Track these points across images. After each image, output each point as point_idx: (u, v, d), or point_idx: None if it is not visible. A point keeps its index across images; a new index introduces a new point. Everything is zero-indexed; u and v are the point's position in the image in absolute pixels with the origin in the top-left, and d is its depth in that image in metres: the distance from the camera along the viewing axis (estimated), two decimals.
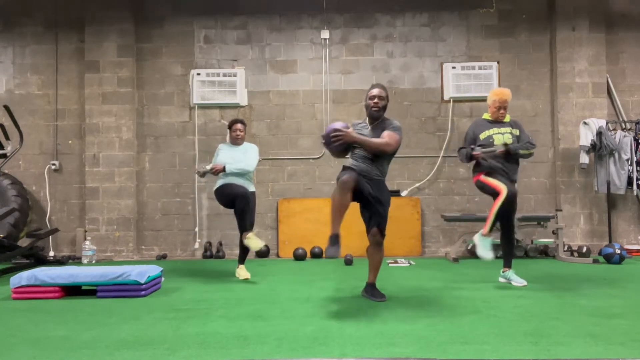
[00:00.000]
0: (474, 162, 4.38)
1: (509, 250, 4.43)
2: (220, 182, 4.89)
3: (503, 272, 4.43)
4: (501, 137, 4.29)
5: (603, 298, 3.68)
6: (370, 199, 3.62)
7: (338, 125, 3.55)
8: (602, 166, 6.49)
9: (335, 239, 3.37)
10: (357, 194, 3.57)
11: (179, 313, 3.35)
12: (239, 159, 4.84)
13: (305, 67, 7.08)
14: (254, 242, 4.63)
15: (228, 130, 5.07)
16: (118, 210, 6.85)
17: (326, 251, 3.39)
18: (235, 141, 4.99)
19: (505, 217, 4.28)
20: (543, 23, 7.01)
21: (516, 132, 4.36)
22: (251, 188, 4.96)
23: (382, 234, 3.70)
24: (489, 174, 4.26)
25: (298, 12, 7.10)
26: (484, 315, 3.16)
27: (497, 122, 4.37)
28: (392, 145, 3.60)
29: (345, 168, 3.67)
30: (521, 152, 4.28)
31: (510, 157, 4.28)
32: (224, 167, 4.75)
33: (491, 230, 4.25)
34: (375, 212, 3.66)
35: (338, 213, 3.41)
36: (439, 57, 7.05)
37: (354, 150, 3.72)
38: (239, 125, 4.98)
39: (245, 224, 4.68)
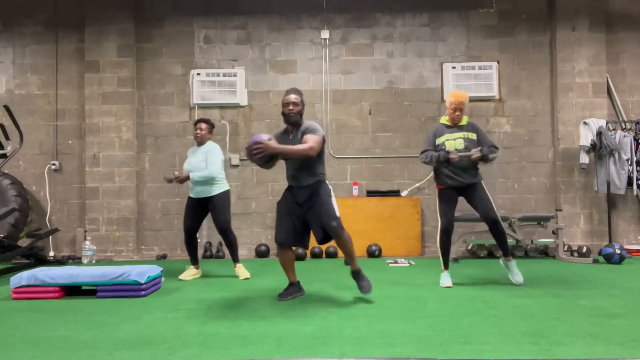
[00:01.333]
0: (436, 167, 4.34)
1: (502, 242, 4.31)
2: (189, 191, 4.91)
3: (505, 259, 4.38)
4: (452, 142, 4.23)
5: (603, 298, 3.68)
6: (311, 211, 3.64)
7: (260, 137, 3.49)
8: (602, 166, 6.49)
9: (289, 287, 3.87)
10: (302, 230, 3.76)
11: (179, 313, 3.35)
12: (197, 164, 4.79)
13: (305, 67, 7.08)
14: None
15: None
16: (118, 210, 6.85)
17: (279, 294, 3.83)
18: (195, 140, 4.97)
19: (488, 218, 4.25)
20: (543, 23, 7.02)
21: (472, 135, 4.28)
22: (222, 188, 4.87)
23: (337, 229, 3.60)
24: (443, 191, 4.30)
25: (298, 12, 7.10)
26: (484, 315, 3.16)
27: (452, 126, 4.32)
28: (315, 148, 3.58)
29: (281, 199, 3.81)
30: (490, 156, 4.20)
31: (475, 162, 4.24)
32: (189, 176, 4.73)
33: (447, 265, 4.36)
34: (317, 215, 3.62)
35: (287, 268, 3.88)
36: (439, 57, 7.05)
37: (286, 164, 3.77)
38: (201, 125, 4.92)
39: (235, 255, 4.98)
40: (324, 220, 3.59)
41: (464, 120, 4.35)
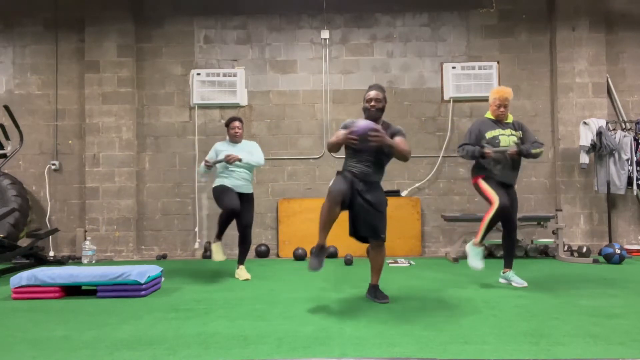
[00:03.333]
0: (473, 162, 4.36)
1: (510, 251, 4.38)
2: (224, 181, 4.80)
3: (503, 273, 4.41)
4: (507, 138, 4.21)
5: (603, 298, 3.68)
6: (366, 204, 3.61)
7: (372, 124, 3.45)
8: (602, 166, 6.49)
9: (320, 250, 3.45)
10: (348, 203, 3.60)
11: (179, 313, 3.35)
12: (243, 156, 4.79)
13: (305, 67, 7.08)
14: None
15: (226, 129, 5.02)
16: (118, 210, 6.85)
17: (309, 263, 3.44)
18: (234, 139, 4.93)
19: (507, 219, 4.25)
20: (543, 23, 7.02)
21: (519, 134, 4.27)
22: (251, 189, 4.96)
23: (383, 243, 3.71)
24: (487, 178, 4.23)
25: (298, 12, 7.10)
26: (484, 315, 3.16)
27: (500, 122, 4.29)
28: (410, 152, 3.68)
29: (339, 173, 3.67)
30: (533, 151, 4.18)
31: (516, 160, 4.23)
32: (240, 158, 4.70)
33: (482, 240, 4.27)
34: (373, 217, 3.63)
35: (326, 225, 3.46)
36: (439, 57, 7.05)
37: (354, 153, 3.65)
38: (236, 123, 4.94)
39: (244, 257, 4.98)
40: (376, 229, 3.63)
41: (510, 118, 4.33)
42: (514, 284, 4.29)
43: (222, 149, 4.89)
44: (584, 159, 6.50)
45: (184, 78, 7.06)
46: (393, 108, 7.02)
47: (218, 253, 4.81)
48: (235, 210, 4.60)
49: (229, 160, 4.65)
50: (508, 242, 4.35)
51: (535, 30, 7.02)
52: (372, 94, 3.70)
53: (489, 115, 4.36)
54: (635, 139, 6.52)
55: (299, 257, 6.33)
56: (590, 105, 6.77)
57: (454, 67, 6.92)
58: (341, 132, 3.54)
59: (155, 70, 7.07)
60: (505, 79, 6.98)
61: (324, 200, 3.48)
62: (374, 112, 3.68)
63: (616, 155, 6.43)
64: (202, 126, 7.02)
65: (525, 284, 4.24)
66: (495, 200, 4.11)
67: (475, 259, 4.18)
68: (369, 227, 3.64)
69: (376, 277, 3.77)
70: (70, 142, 7.08)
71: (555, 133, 6.90)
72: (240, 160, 4.69)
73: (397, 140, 3.60)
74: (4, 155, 5.86)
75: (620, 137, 6.48)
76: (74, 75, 7.09)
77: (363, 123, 3.46)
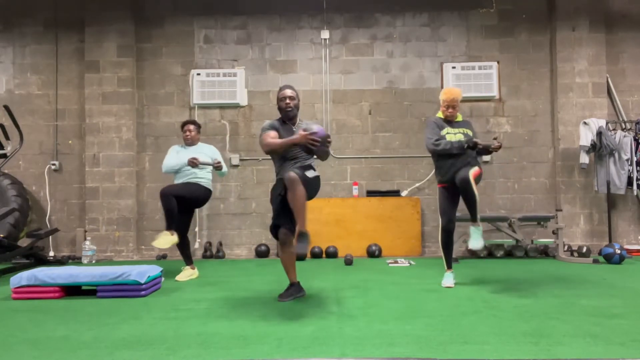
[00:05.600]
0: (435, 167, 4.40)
1: (471, 205, 4.06)
2: (184, 180, 4.87)
3: (473, 224, 4.16)
4: (453, 136, 4.25)
5: (603, 298, 3.68)
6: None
7: (325, 131, 3.54)
8: (602, 166, 6.50)
9: (290, 287, 3.80)
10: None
11: (179, 313, 3.35)
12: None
13: (305, 67, 7.08)
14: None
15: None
16: (118, 210, 6.85)
17: (278, 296, 3.75)
18: (186, 141, 5.03)
19: (461, 179, 3.99)
20: (543, 23, 7.02)
21: (469, 132, 4.29)
22: (210, 187, 5.03)
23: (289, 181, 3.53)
24: (441, 189, 4.32)
25: (298, 12, 7.10)
26: (484, 315, 3.16)
27: (449, 122, 4.34)
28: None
29: (279, 184, 3.85)
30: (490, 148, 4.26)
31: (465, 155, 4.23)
32: (196, 160, 4.75)
33: (450, 265, 4.36)
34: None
35: (288, 266, 3.85)
36: (439, 57, 7.05)
37: (291, 157, 3.74)
38: (190, 126, 5.02)
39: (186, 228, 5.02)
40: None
41: (459, 117, 4.40)
42: (469, 241, 4.09)
43: (179, 153, 4.97)
44: (584, 159, 6.50)
45: (184, 78, 7.06)
46: (393, 108, 7.03)
47: (181, 274, 4.89)
48: (177, 231, 4.82)
49: (195, 165, 4.73)
50: (467, 197, 4.04)
51: (535, 30, 7.02)
52: (287, 92, 3.78)
53: (440, 115, 4.40)
54: (635, 139, 6.52)
55: (298, 257, 6.32)
56: (590, 105, 6.77)
57: (454, 67, 6.92)
58: (300, 134, 3.45)
59: (155, 70, 7.07)
60: (505, 79, 6.98)
61: (279, 248, 3.78)
62: (291, 110, 3.76)
63: (616, 155, 6.43)
64: (202, 126, 6.97)
65: (478, 248, 4.06)
66: (440, 220, 4.33)
67: (445, 280, 4.31)
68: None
69: (300, 221, 3.46)
70: (70, 142, 7.08)
71: (555, 133, 6.90)
72: (196, 162, 4.72)
73: None
74: (4, 155, 5.86)
75: (620, 137, 6.49)
76: (74, 75, 7.09)
77: (318, 127, 3.49)
